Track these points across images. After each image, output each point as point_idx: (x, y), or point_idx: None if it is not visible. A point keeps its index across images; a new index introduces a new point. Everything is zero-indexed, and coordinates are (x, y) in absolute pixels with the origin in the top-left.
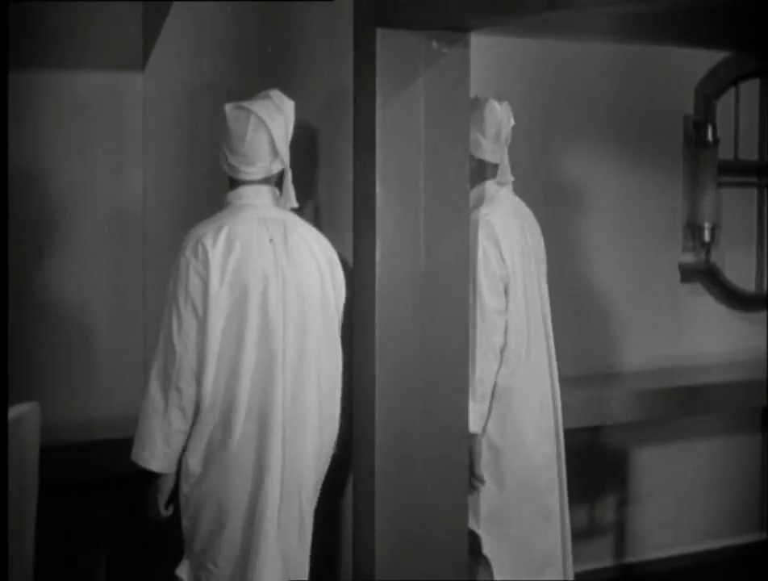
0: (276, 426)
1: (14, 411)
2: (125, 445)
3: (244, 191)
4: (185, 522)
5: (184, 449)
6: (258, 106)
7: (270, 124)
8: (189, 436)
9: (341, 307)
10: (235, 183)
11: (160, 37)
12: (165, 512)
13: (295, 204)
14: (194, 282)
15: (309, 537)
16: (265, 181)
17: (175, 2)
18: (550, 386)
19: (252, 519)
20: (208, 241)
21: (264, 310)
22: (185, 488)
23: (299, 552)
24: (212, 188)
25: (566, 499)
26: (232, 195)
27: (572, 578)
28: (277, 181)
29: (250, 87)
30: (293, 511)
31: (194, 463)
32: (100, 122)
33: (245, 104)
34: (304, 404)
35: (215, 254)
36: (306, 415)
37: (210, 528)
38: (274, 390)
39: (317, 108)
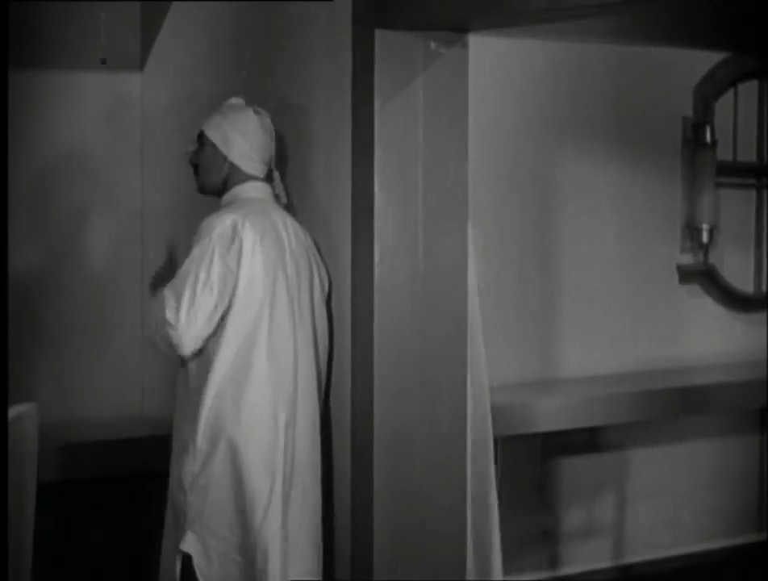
0: (288, 404)
1: (13, 412)
2: (125, 445)
3: (252, 186)
4: (191, 498)
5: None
6: (264, 112)
7: (273, 128)
8: (197, 417)
9: (326, 295)
10: (237, 180)
11: (159, 37)
12: None
13: (286, 200)
14: (227, 263)
15: (316, 527)
16: (265, 179)
17: (174, 3)
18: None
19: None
20: (239, 228)
21: (278, 296)
22: (193, 466)
23: (307, 544)
24: None
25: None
26: (239, 190)
27: (499, 575)
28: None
29: (249, 87)
30: (297, 490)
31: (201, 441)
32: (98, 122)
33: (255, 108)
34: (310, 387)
35: (247, 241)
36: (312, 396)
37: (224, 499)
38: (287, 375)
39: (316, 108)
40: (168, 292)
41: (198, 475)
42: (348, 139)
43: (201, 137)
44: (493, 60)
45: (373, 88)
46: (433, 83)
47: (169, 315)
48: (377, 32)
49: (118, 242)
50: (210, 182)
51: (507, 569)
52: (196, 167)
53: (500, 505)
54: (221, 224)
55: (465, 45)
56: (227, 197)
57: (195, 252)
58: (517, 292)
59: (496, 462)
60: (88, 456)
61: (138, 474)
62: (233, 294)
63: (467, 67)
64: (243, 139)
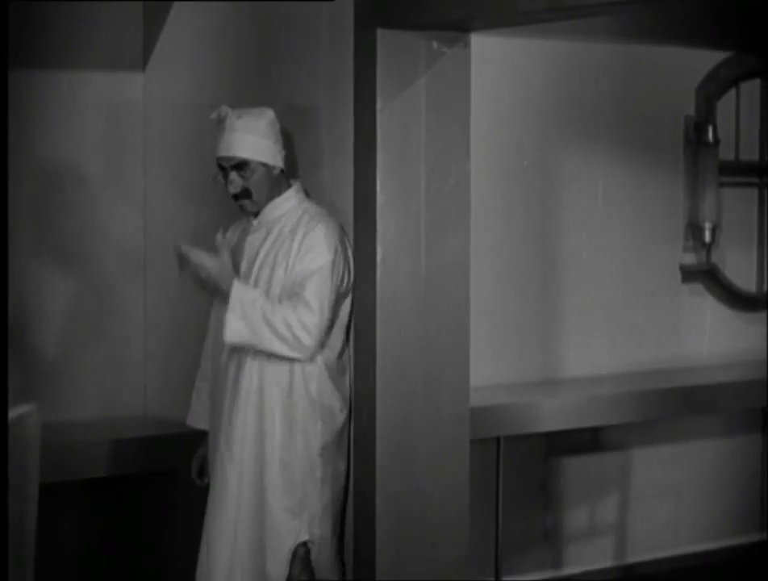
0: None
1: (14, 412)
2: (125, 445)
3: (298, 188)
4: (324, 490)
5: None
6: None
7: None
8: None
9: None
10: (283, 186)
11: (161, 37)
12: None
13: None
14: (345, 272)
15: None
16: None
17: (175, 3)
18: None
19: None
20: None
21: None
22: (325, 459)
23: None
24: (213, 189)
25: None
26: (299, 198)
27: None
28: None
29: (250, 87)
30: None
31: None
32: (100, 122)
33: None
34: None
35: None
36: None
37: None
38: None
39: (318, 108)
40: (311, 296)
41: (328, 467)
42: (350, 138)
43: (242, 165)
44: (495, 59)
45: (375, 88)
46: (435, 82)
47: (310, 319)
48: (380, 32)
49: (121, 242)
50: (265, 198)
51: (509, 569)
52: (243, 193)
53: (502, 505)
54: (339, 237)
55: (467, 45)
56: (293, 203)
57: (327, 260)
58: (519, 292)
59: (498, 462)
60: (88, 456)
61: (139, 474)
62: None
63: (469, 66)
64: (276, 142)
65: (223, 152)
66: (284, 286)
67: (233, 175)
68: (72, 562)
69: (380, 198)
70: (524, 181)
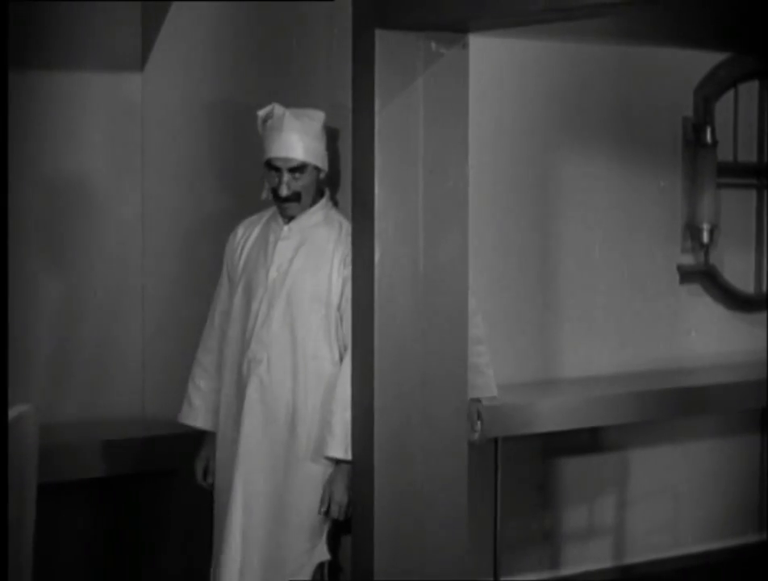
0: None
1: (13, 412)
2: (125, 445)
3: (327, 196)
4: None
5: None
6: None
7: None
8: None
9: None
10: (319, 191)
11: (159, 38)
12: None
13: None
14: None
15: None
16: None
17: (174, 3)
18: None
19: None
20: None
21: None
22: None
23: None
24: (213, 189)
25: None
26: (329, 206)
27: None
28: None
29: (249, 87)
30: None
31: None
32: (99, 122)
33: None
34: None
35: None
36: None
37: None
38: None
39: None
40: None
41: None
42: (348, 139)
43: (301, 168)
44: (493, 60)
45: (373, 88)
46: (434, 84)
47: None
48: (378, 32)
49: (119, 242)
50: (309, 203)
51: (508, 569)
52: (294, 196)
53: (500, 505)
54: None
55: (465, 45)
56: (324, 213)
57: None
58: (517, 292)
59: (496, 462)
60: (86, 456)
61: (138, 474)
62: None
63: (467, 67)
64: (325, 146)
65: (282, 153)
66: (316, 297)
67: (288, 177)
68: (70, 563)
69: (378, 199)
70: (523, 181)
